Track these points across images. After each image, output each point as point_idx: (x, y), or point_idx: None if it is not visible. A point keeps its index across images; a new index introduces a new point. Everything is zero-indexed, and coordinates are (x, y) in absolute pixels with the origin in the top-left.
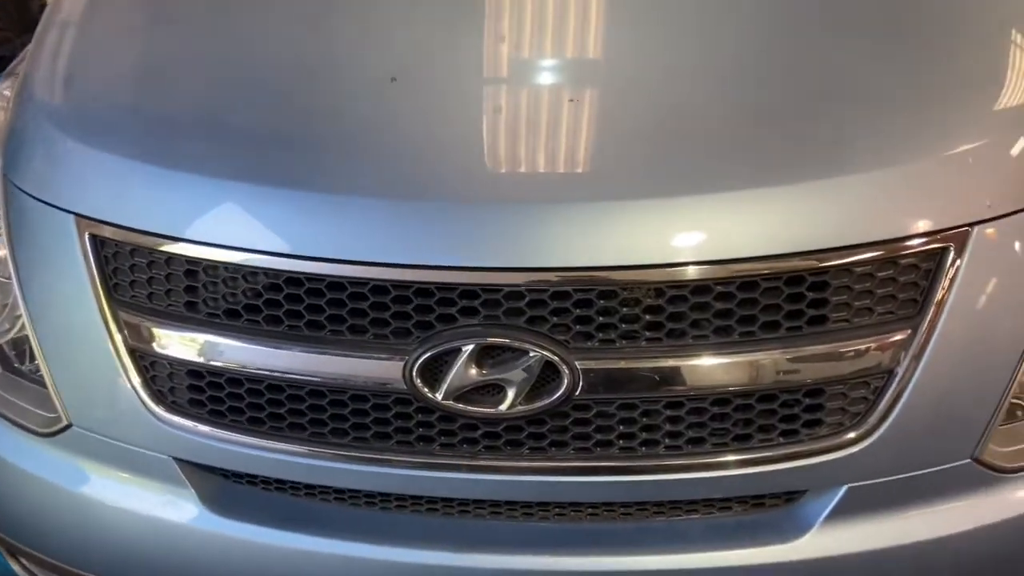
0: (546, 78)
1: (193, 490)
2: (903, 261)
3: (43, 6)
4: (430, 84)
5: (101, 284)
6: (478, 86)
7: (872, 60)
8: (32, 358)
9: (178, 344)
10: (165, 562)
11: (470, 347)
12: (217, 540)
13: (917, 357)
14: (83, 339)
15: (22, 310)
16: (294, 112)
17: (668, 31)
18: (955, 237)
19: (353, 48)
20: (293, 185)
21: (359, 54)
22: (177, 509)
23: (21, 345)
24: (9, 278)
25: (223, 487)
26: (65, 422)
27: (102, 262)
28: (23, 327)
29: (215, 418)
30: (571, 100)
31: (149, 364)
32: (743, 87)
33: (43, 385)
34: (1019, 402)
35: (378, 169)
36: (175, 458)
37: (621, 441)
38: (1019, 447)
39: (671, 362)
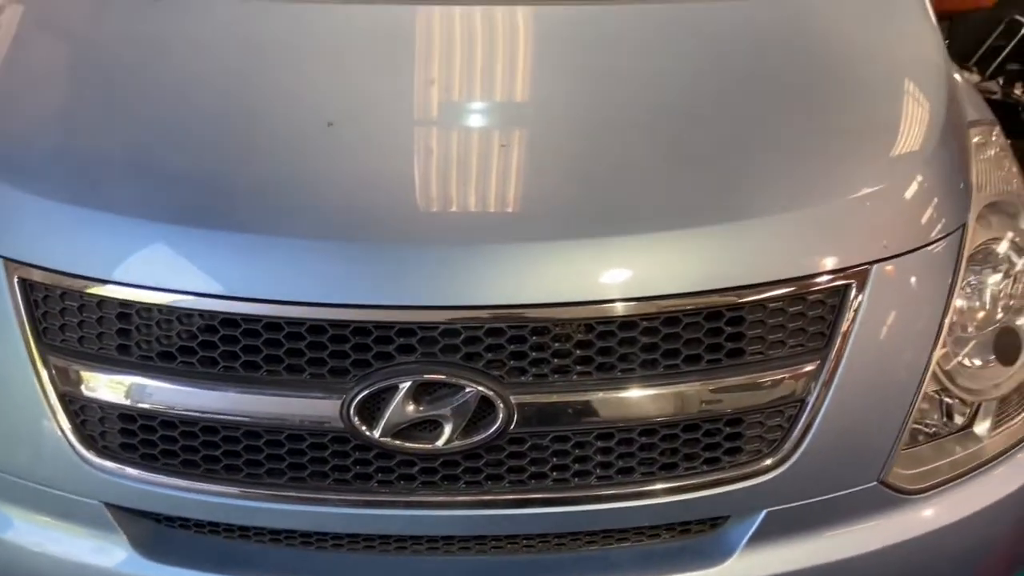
0: (477, 123)
1: (124, 535)
2: (811, 297)
3: None
4: (366, 128)
5: (30, 328)
6: (411, 131)
7: (781, 115)
8: None
9: (110, 388)
10: None
11: (407, 384)
12: None
13: (826, 386)
14: (10, 383)
15: None
16: (229, 155)
17: (597, 82)
18: (856, 275)
19: (289, 93)
20: (228, 227)
21: (295, 99)
22: (108, 555)
23: None
24: None
25: (156, 531)
26: None
27: (31, 306)
28: None
29: (148, 462)
30: (502, 145)
31: (79, 408)
32: (665, 136)
33: None
34: (920, 428)
35: (314, 210)
36: (106, 503)
37: (554, 473)
38: (921, 470)
39: (601, 395)
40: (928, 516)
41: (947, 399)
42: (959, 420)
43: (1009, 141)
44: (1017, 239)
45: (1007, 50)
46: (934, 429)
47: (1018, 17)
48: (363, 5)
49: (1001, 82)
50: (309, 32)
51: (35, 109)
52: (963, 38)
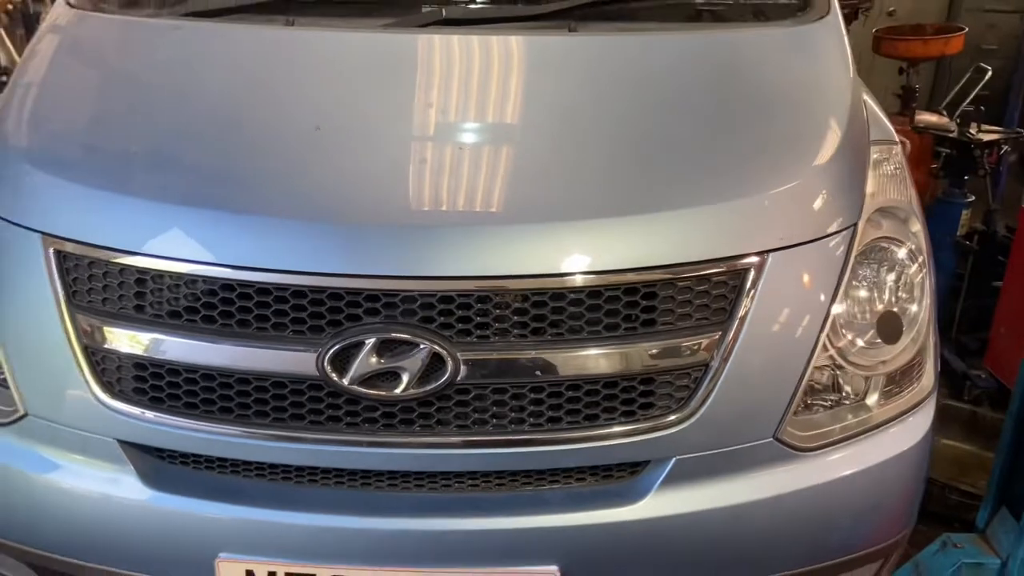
0: (442, 130)
1: (133, 468)
2: (714, 278)
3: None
4: (347, 131)
5: (62, 291)
6: (384, 137)
7: (704, 130)
8: None
9: (126, 341)
10: (108, 532)
11: (372, 340)
12: (154, 511)
13: (727, 353)
14: (44, 338)
15: None
16: (232, 153)
17: (557, 102)
18: (754, 260)
19: (284, 101)
20: (228, 208)
21: (289, 106)
22: (119, 485)
23: None
24: None
25: (159, 466)
26: (22, 411)
27: (63, 273)
28: None
29: (155, 404)
30: (461, 148)
31: (100, 359)
32: (608, 146)
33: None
34: (819, 399)
35: (298, 196)
36: (119, 440)
37: (494, 420)
38: (814, 432)
39: (534, 354)
40: (817, 470)
41: (841, 374)
42: (853, 392)
43: (966, 177)
44: (904, 239)
45: (973, 93)
46: (832, 399)
47: (982, 64)
48: (361, 32)
49: (958, 121)
50: (311, 54)
51: (68, 114)
52: (948, 81)
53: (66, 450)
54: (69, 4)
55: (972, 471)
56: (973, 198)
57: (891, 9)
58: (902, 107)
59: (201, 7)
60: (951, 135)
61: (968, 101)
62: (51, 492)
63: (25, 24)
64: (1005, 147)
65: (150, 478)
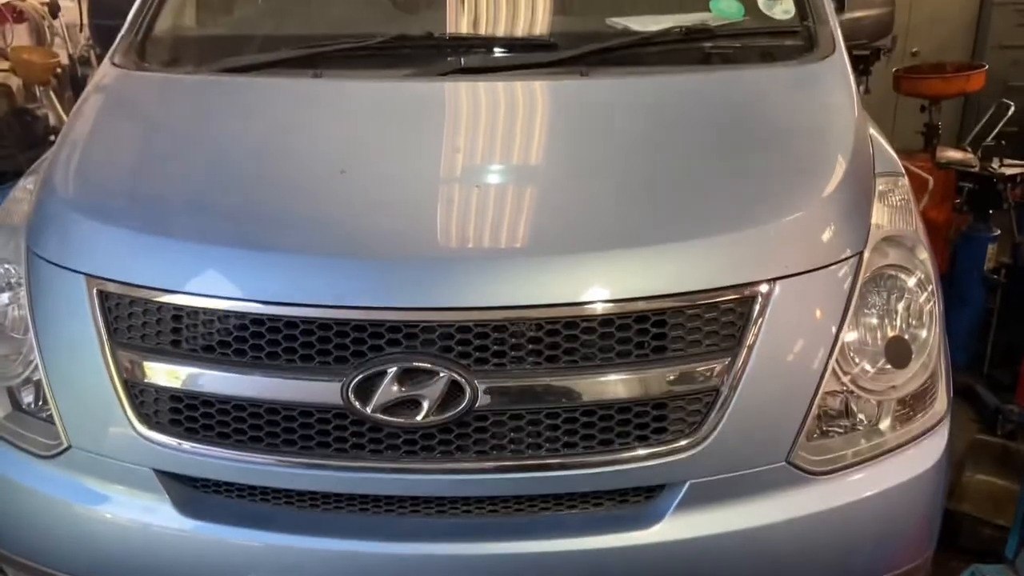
0: (459, 169)
1: (168, 497)
2: (723, 306)
3: (46, 128)
4: (370, 173)
5: (104, 328)
6: (406, 173)
7: (716, 164)
8: (38, 398)
9: (163, 375)
10: (145, 559)
11: (394, 369)
12: (188, 538)
13: (737, 379)
14: (87, 373)
15: (36, 355)
16: (262, 194)
17: (574, 141)
18: (763, 288)
19: (311, 147)
20: (258, 247)
21: (317, 151)
22: (155, 514)
23: (28, 387)
24: (23, 333)
25: (193, 495)
26: (65, 444)
27: (106, 312)
28: (33, 372)
29: (190, 434)
30: (476, 185)
31: (139, 392)
32: (611, 187)
33: (44, 419)
34: (829, 426)
35: (325, 234)
36: (155, 470)
37: (511, 445)
38: (826, 456)
39: (549, 381)
40: (830, 494)
41: (853, 399)
42: (866, 418)
43: (991, 211)
44: (911, 267)
45: (996, 128)
46: (845, 424)
47: (1005, 100)
48: (385, 82)
49: (979, 156)
50: (338, 103)
51: (112, 165)
52: (976, 117)
53: (106, 480)
54: (114, 64)
55: (1005, 505)
56: (999, 232)
57: (915, 49)
58: (925, 144)
59: (235, 64)
60: (973, 169)
61: (992, 136)
62: (91, 520)
63: (73, 86)
64: None
65: (185, 506)
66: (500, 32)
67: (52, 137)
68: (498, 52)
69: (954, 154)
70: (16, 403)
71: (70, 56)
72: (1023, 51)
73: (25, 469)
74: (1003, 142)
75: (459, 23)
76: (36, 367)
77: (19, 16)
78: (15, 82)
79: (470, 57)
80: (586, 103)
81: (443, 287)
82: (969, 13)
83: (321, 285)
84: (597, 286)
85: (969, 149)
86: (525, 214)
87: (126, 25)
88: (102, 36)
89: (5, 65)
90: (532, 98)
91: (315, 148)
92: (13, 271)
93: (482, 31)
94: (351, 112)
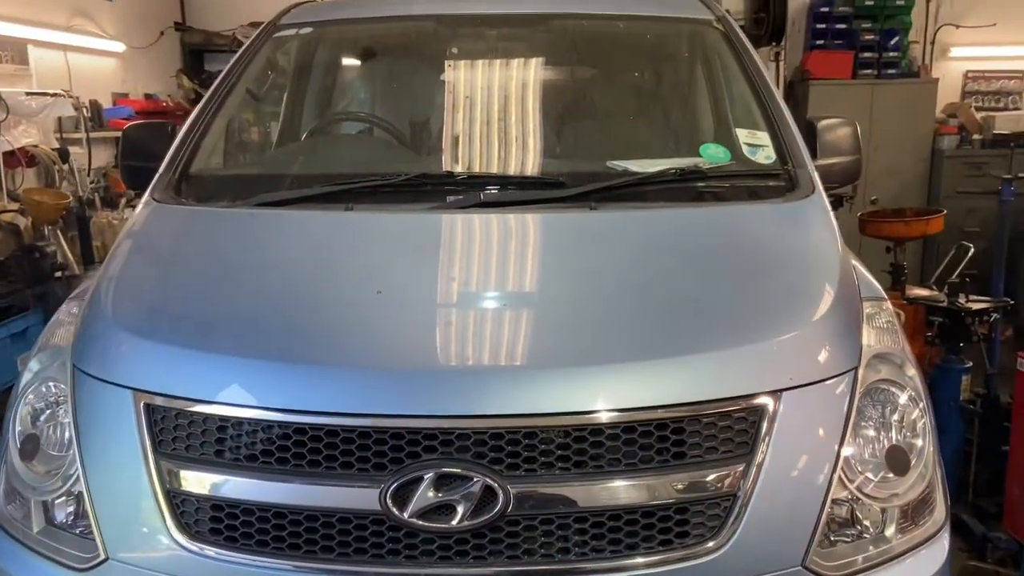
0: (487, 298)
1: None
2: (735, 414)
3: (53, 264)
4: (404, 294)
5: (149, 440)
6: (438, 294)
7: (719, 291)
8: (73, 513)
9: (205, 484)
10: None
11: (430, 475)
12: None
13: (752, 483)
14: (130, 484)
15: (79, 469)
16: (301, 314)
17: (578, 270)
18: (771, 398)
19: (345, 271)
20: (301, 361)
21: (350, 275)
22: None
23: (63, 502)
24: (63, 450)
25: None
26: (103, 556)
27: (152, 424)
28: (72, 485)
29: (230, 543)
30: (504, 306)
31: (180, 502)
32: (630, 306)
33: (78, 534)
34: (839, 536)
35: (364, 349)
36: None
37: (542, 550)
38: (839, 562)
39: (577, 486)
40: None
41: (858, 507)
42: (871, 525)
43: (961, 343)
44: (902, 382)
45: (959, 268)
46: (853, 532)
47: (964, 242)
48: (411, 215)
49: (947, 292)
50: (369, 233)
51: (156, 288)
52: (935, 259)
53: None
54: (155, 199)
55: None
56: (971, 364)
57: (874, 198)
58: (892, 283)
59: (270, 199)
60: (942, 305)
61: (955, 275)
62: None
63: (79, 226)
64: (995, 315)
65: None
66: (512, 171)
67: (58, 273)
68: (511, 189)
69: (922, 291)
70: (50, 519)
71: (79, 198)
72: (975, 198)
73: None
74: (967, 279)
75: (475, 163)
76: (75, 480)
77: (31, 160)
78: (22, 221)
79: (489, 193)
80: (597, 234)
81: (476, 396)
82: (922, 165)
83: (360, 396)
84: (619, 395)
85: (935, 287)
86: (551, 331)
87: (164, 164)
88: (132, 176)
89: (14, 206)
90: (548, 229)
91: (350, 272)
92: (55, 389)
93: (496, 170)
94: (382, 240)
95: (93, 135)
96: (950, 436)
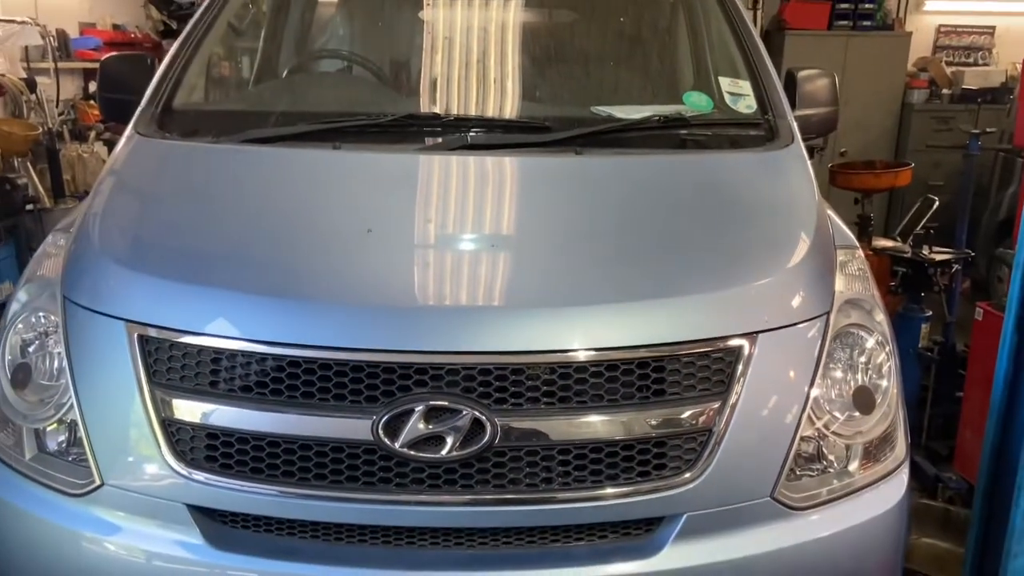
0: (475, 238)
1: (200, 531)
2: (714, 355)
3: (25, 197)
4: (394, 233)
5: (144, 371)
6: (428, 235)
7: (697, 234)
8: (66, 441)
9: (199, 413)
10: None
11: (421, 407)
12: (217, 570)
13: (727, 420)
14: (125, 414)
15: (72, 398)
16: (291, 249)
17: (566, 209)
18: (747, 340)
19: (335, 209)
20: (298, 296)
21: (341, 213)
22: (186, 548)
23: (55, 430)
24: (54, 379)
25: (223, 530)
26: (98, 482)
27: (146, 355)
28: (65, 414)
29: (224, 470)
30: (493, 246)
31: (175, 430)
32: (613, 246)
33: (71, 461)
34: (805, 470)
35: (358, 285)
36: (188, 505)
37: (527, 480)
38: (805, 494)
39: (561, 420)
40: (811, 526)
41: (825, 443)
42: (836, 460)
43: (923, 293)
44: (871, 326)
45: (923, 220)
46: (818, 467)
47: (929, 196)
48: (400, 155)
49: (911, 244)
50: (357, 172)
51: (145, 221)
52: (900, 212)
53: (138, 516)
54: (139, 133)
55: (950, 565)
56: (931, 313)
57: (843, 150)
58: (859, 233)
59: (257, 135)
60: (906, 255)
61: (919, 227)
62: (122, 554)
63: (49, 158)
64: (956, 266)
65: (215, 540)
66: (498, 114)
67: (29, 206)
68: (498, 131)
69: (888, 243)
70: (42, 446)
71: (49, 130)
72: (941, 153)
73: (54, 507)
74: (931, 231)
75: (463, 105)
76: (68, 409)
77: None
78: None
79: (477, 135)
80: (582, 178)
81: (466, 333)
82: (891, 119)
83: (354, 332)
84: (603, 334)
85: (899, 239)
86: (536, 271)
87: (146, 98)
88: (110, 109)
89: None
90: (534, 171)
91: (340, 210)
92: (45, 319)
93: (483, 112)
94: (372, 179)
95: (60, 65)
96: (907, 382)
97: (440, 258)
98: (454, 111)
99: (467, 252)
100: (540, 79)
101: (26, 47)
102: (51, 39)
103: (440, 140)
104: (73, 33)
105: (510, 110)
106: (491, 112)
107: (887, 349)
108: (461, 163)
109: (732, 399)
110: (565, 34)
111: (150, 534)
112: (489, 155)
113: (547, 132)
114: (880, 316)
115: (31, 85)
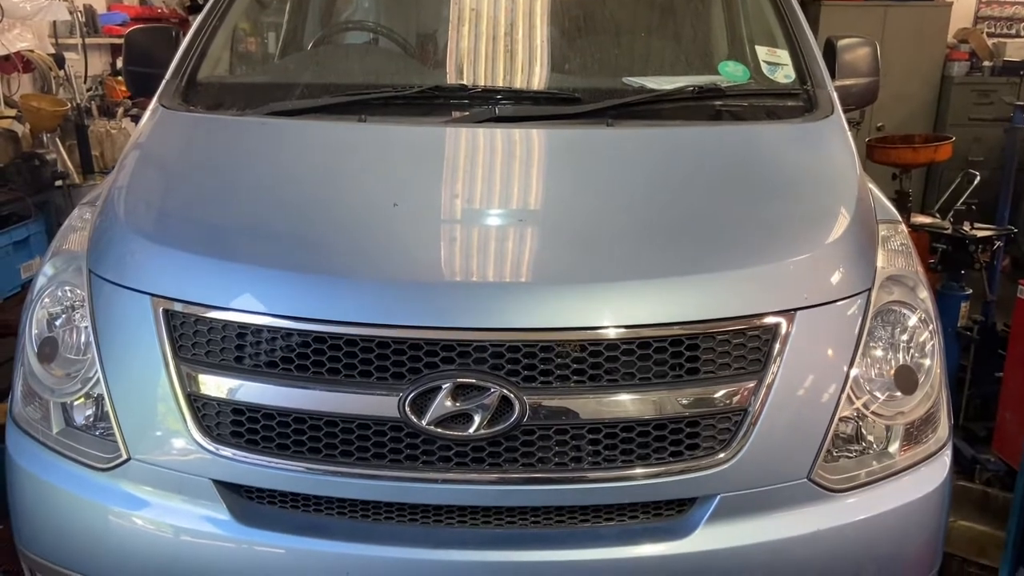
0: (504, 213)
1: (225, 506)
2: (749, 332)
3: (54, 173)
4: (421, 207)
5: (169, 345)
6: (458, 210)
7: (736, 208)
8: (93, 415)
9: (226, 389)
10: (201, 566)
11: (448, 384)
12: (244, 546)
13: (763, 399)
14: (151, 389)
15: (99, 372)
16: (318, 224)
17: (596, 183)
18: (784, 317)
19: (362, 183)
20: (324, 271)
21: (368, 186)
22: (212, 522)
23: (82, 404)
24: (81, 353)
25: (248, 506)
26: (125, 456)
27: (171, 330)
28: (92, 388)
29: (250, 446)
30: (521, 220)
31: (201, 405)
32: (647, 220)
33: (98, 435)
34: (843, 451)
35: (385, 260)
36: (213, 480)
37: (556, 458)
38: (843, 475)
39: (591, 398)
40: (849, 509)
41: (864, 424)
42: (876, 442)
43: (962, 271)
44: (913, 303)
45: (964, 196)
46: (858, 448)
47: (971, 171)
48: (426, 127)
49: (951, 220)
50: (383, 145)
51: (171, 194)
52: (938, 188)
53: (164, 490)
54: (163, 106)
55: (988, 548)
56: (971, 291)
57: (880, 124)
58: (897, 210)
59: (281, 108)
60: (946, 232)
61: (960, 204)
62: (148, 529)
63: (77, 134)
64: (998, 243)
65: (241, 516)
66: (527, 86)
67: (58, 182)
68: (526, 103)
69: (925, 219)
70: (69, 420)
71: (77, 105)
72: (983, 128)
73: (81, 481)
74: (972, 207)
75: (491, 76)
76: (95, 383)
77: (27, 65)
78: (20, 128)
79: (504, 107)
80: (614, 150)
81: (495, 309)
82: (931, 92)
83: (381, 307)
84: (636, 311)
85: (938, 215)
86: (565, 246)
87: (171, 71)
88: (135, 82)
89: (11, 112)
90: (564, 144)
91: (366, 183)
92: (71, 293)
93: (511, 84)
94: (398, 152)
95: (88, 41)
96: (946, 361)
97: (467, 233)
98: (481, 83)
99: (495, 227)
100: (569, 49)
101: (54, 23)
102: (79, 15)
103: (467, 112)
104: (101, 9)
105: (539, 81)
106: (519, 84)
107: (931, 328)
108: (489, 136)
109: (768, 378)
110: (595, 3)
111: (177, 509)
112: (517, 127)
113: (577, 104)
114: (924, 293)
115: (59, 61)
